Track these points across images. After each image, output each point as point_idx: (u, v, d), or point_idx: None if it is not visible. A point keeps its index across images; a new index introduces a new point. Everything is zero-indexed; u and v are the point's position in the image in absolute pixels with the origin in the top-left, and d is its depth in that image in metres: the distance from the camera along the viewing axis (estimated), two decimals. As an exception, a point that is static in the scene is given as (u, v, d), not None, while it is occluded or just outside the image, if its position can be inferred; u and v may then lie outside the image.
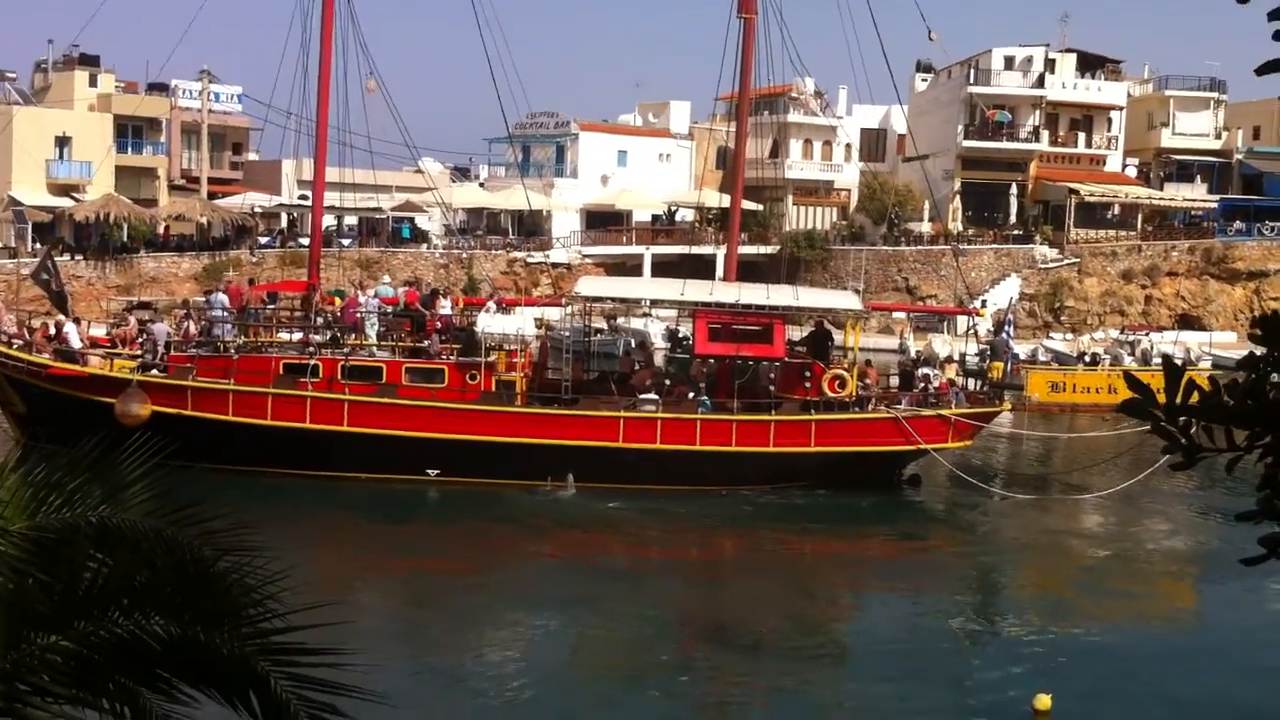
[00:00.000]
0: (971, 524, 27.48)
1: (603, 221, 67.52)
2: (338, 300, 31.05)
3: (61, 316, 29.16)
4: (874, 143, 73.11)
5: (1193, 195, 68.80)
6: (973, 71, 66.48)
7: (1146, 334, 49.69)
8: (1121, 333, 52.68)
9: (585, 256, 63.50)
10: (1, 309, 29.39)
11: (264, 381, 26.76)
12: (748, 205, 49.81)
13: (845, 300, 33.48)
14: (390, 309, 30.29)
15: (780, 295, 30.26)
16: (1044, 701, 15.70)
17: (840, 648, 19.70)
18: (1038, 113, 66.72)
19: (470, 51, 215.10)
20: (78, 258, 49.82)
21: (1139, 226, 66.44)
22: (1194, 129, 70.88)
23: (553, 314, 33.32)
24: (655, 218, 68.89)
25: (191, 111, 62.89)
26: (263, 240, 56.90)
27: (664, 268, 57.33)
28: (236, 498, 20.73)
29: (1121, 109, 69.57)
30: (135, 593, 5.56)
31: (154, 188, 61.00)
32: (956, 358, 32.45)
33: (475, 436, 26.68)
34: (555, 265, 61.12)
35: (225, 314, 28.75)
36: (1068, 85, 67.96)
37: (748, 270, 43.34)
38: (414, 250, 59.29)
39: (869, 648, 19.09)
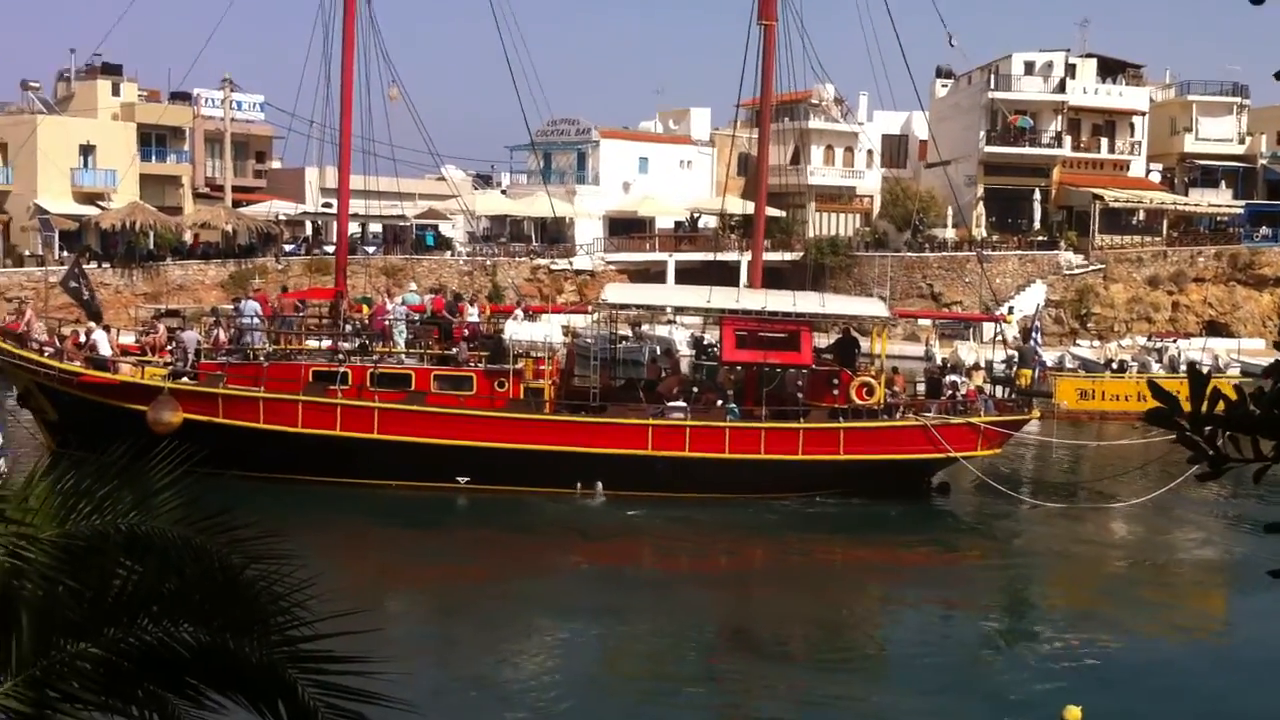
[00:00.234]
0: (1001, 533, 27.31)
1: (625, 228, 67.49)
2: (365, 308, 31.12)
3: (92, 324, 29.29)
4: (895, 149, 72.88)
5: (1218, 200, 68.43)
6: (993, 77, 66.20)
7: (1174, 341, 49.28)
8: (1149, 339, 52.28)
9: (609, 263, 63.49)
10: (32, 317, 29.55)
11: (294, 389, 26.84)
12: (770, 212, 49.70)
13: (873, 307, 33.32)
14: (418, 316, 30.35)
15: (807, 302, 30.12)
16: (1074, 713, 15.54)
17: (870, 658, 19.56)
18: (1059, 118, 66.40)
19: (491, 58, 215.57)
20: (105, 266, 50.14)
21: (1164, 232, 66.10)
22: (1217, 134, 70.49)
23: (577, 321, 33.29)
24: (677, 224, 68.82)
25: (214, 120, 63.25)
26: (288, 248, 57.11)
27: (687, 274, 57.25)
28: (266, 505, 20.94)
29: (1144, 114, 69.20)
30: (164, 600, 5.58)
31: (178, 195, 61.39)
32: (982, 365, 32.32)
33: (504, 444, 26.68)
34: (579, 272, 61.19)
35: (256, 321, 28.88)
36: (1089, 90, 67.63)
37: (772, 277, 43.32)
38: (438, 257, 59.40)
39: (899, 658, 18.97)
